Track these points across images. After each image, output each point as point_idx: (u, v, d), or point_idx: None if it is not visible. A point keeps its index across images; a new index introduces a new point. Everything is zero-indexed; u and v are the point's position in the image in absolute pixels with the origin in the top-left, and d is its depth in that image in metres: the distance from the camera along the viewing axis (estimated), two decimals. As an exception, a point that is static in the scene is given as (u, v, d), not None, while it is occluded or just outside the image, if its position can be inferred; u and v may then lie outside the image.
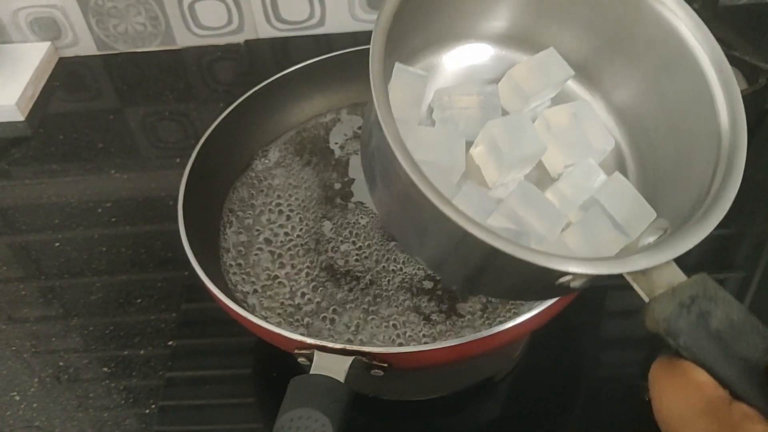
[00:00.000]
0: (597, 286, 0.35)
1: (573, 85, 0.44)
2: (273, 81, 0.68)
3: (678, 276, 0.31)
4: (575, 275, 0.32)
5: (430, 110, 0.43)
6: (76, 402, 0.62)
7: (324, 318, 0.56)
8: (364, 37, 0.92)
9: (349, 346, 0.46)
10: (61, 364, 0.65)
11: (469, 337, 0.46)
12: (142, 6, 0.93)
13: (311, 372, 0.45)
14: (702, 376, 0.27)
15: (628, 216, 0.37)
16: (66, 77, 0.97)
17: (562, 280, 0.33)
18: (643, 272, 0.31)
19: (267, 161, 0.68)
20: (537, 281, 0.35)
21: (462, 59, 0.44)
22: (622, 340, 0.62)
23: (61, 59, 0.99)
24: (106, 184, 0.81)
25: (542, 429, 0.57)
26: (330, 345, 0.46)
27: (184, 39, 0.97)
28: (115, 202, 0.79)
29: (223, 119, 0.64)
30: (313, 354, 0.46)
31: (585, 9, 0.41)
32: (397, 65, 0.40)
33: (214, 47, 0.98)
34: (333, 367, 0.45)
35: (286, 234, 0.62)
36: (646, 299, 0.31)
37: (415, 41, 0.40)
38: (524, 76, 0.41)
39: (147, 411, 0.60)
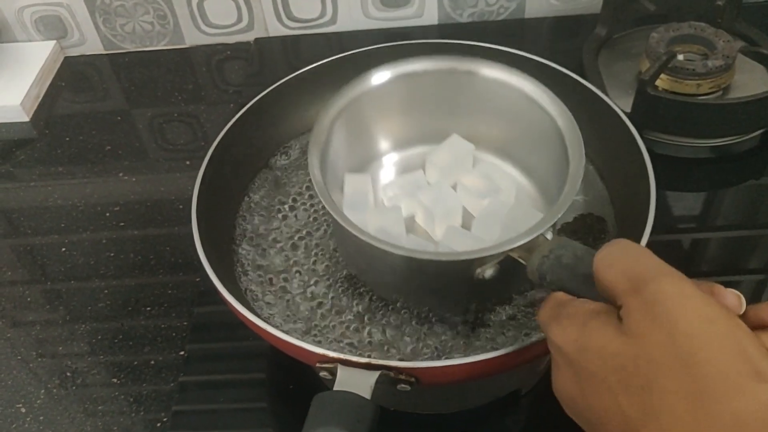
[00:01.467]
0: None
1: (479, 153, 0.59)
2: (286, 81, 0.65)
3: (543, 242, 0.43)
4: (481, 263, 0.46)
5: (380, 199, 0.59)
6: (84, 410, 0.59)
7: (345, 328, 0.54)
8: (377, 35, 0.90)
9: (374, 361, 0.44)
10: (68, 374, 0.62)
11: (503, 350, 0.44)
12: (150, 5, 0.91)
13: (335, 388, 0.43)
14: (559, 294, 0.39)
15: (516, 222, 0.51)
16: (72, 77, 0.95)
17: (477, 272, 0.46)
18: (526, 249, 0.44)
19: (284, 162, 0.65)
20: (459, 278, 0.48)
21: (396, 159, 0.61)
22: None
23: (66, 59, 0.97)
24: (114, 187, 0.79)
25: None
26: (355, 359, 0.44)
27: (192, 38, 0.95)
28: (123, 205, 0.76)
29: (236, 121, 0.62)
30: (336, 368, 0.44)
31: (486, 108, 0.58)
32: (347, 175, 0.56)
33: (224, 46, 0.95)
34: (358, 383, 0.43)
35: (301, 239, 0.60)
36: (522, 262, 0.44)
37: (353, 159, 0.58)
38: (439, 158, 0.57)
39: (160, 416, 0.58)
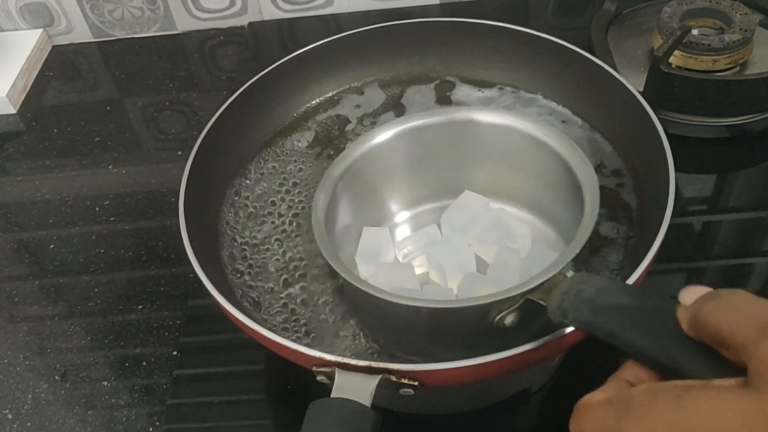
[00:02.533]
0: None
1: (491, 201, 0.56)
2: (278, 66, 0.62)
3: (561, 280, 0.41)
4: (499, 308, 0.43)
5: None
6: (80, 407, 0.57)
7: (340, 327, 0.50)
8: (376, 15, 0.86)
9: (375, 364, 0.41)
10: (60, 372, 0.59)
11: (509, 351, 0.40)
12: (139, -12, 0.87)
13: (333, 395, 0.40)
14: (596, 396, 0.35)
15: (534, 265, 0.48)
16: (60, 66, 0.91)
17: (497, 318, 0.43)
18: (545, 290, 0.41)
19: (276, 151, 0.62)
20: (478, 326, 0.44)
21: (408, 216, 0.59)
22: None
23: (54, 47, 0.93)
24: (105, 179, 0.76)
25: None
26: (354, 363, 0.41)
27: (184, 23, 0.91)
28: (114, 198, 0.73)
29: (226, 108, 0.58)
30: (333, 373, 0.41)
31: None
32: (365, 228, 0.54)
33: (217, 31, 0.92)
34: (357, 389, 0.39)
35: (295, 234, 0.56)
36: (543, 303, 0.41)
37: (365, 220, 0.55)
38: (454, 217, 0.54)
39: (155, 410, 0.56)
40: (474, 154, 0.56)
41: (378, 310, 0.48)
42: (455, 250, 0.52)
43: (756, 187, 0.70)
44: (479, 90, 0.64)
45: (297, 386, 0.55)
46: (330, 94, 0.65)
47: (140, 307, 0.63)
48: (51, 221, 0.72)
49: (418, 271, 0.53)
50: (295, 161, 0.61)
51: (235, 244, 0.56)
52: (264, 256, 0.55)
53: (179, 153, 0.77)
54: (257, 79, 0.61)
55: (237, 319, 0.45)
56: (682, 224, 0.65)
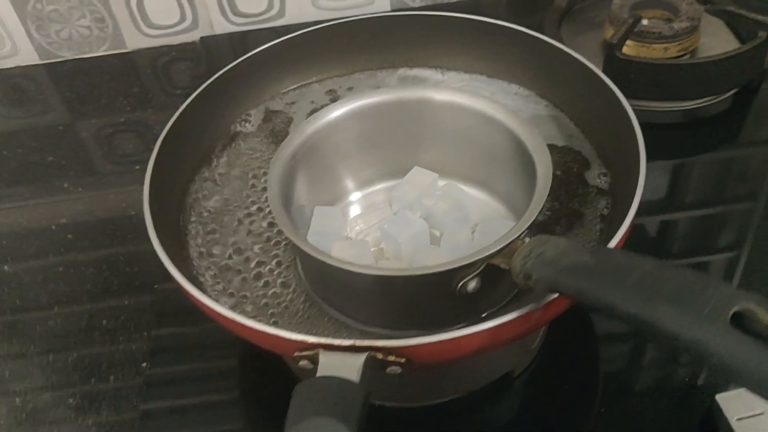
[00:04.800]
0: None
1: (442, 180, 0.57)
2: (229, 69, 0.61)
3: (521, 244, 0.42)
4: (463, 276, 0.43)
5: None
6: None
7: (306, 310, 0.49)
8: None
9: (360, 342, 0.39)
10: (18, 403, 0.56)
11: (499, 319, 0.40)
12: (86, 8, 0.86)
13: (318, 374, 0.38)
14: None
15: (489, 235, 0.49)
16: (6, 91, 0.89)
17: (459, 285, 0.43)
18: (506, 255, 0.42)
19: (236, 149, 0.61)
20: (441, 295, 0.44)
21: (360, 197, 0.58)
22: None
23: (-1, 71, 0.91)
24: (63, 205, 0.73)
25: (566, 425, 0.51)
26: (338, 342, 0.39)
27: (134, 41, 0.89)
28: (72, 223, 0.70)
29: (179, 116, 0.57)
30: (317, 355, 0.40)
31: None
32: (316, 208, 0.53)
33: (168, 47, 0.90)
34: (343, 367, 0.38)
35: (267, 236, 0.55)
36: (505, 267, 0.42)
37: (318, 200, 0.55)
38: (404, 192, 0.54)
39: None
40: (425, 132, 0.56)
41: (342, 285, 0.48)
42: (408, 225, 0.51)
43: (714, 172, 0.71)
44: (440, 72, 0.65)
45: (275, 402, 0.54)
46: (286, 90, 0.65)
47: (101, 331, 0.60)
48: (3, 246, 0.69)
49: (372, 249, 0.53)
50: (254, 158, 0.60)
51: (200, 240, 0.54)
52: (230, 255, 0.54)
53: (137, 167, 0.75)
54: (210, 82, 0.60)
55: (213, 310, 0.43)
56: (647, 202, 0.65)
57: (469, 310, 0.47)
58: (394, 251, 0.51)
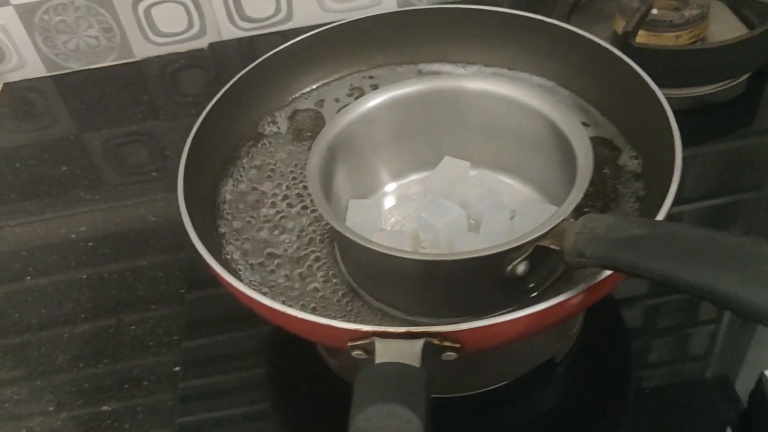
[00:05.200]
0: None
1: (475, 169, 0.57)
2: (249, 71, 0.61)
3: (570, 224, 0.41)
4: (513, 258, 0.43)
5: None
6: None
7: (355, 306, 0.49)
8: (335, 29, 0.85)
9: (415, 329, 0.39)
10: (52, 410, 0.56)
11: (556, 298, 0.40)
12: (93, 18, 0.85)
13: (377, 361, 0.38)
14: None
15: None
16: (14, 104, 0.88)
17: (509, 268, 0.43)
18: (552, 236, 0.42)
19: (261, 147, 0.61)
20: (491, 278, 0.45)
21: (395, 188, 0.58)
22: (674, 311, 0.57)
23: (6, 85, 0.90)
24: (79, 216, 0.72)
25: (610, 408, 0.51)
26: (393, 330, 0.39)
27: (142, 50, 0.89)
28: (92, 233, 0.70)
29: (203, 119, 0.57)
30: (373, 344, 0.39)
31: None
32: (351, 201, 0.53)
33: (177, 55, 0.90)
34: (403, 354, 0.38)
35: (293, 228, 0.55)
36: (557, 248, 0.41)
37: (353, 193, 0.55)
38: (436, 183, 0.54)
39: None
40: (457, 121, 0.56)
41: (388, 274, 0.47)
42: (446, 211, 0.51)
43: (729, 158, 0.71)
44: (461, 67, 0.65)
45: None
46: (309, 89, 0.65)
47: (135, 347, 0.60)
48: (18, 266, 0.68)
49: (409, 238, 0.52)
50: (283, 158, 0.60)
51: (234, 241, 0.54)
52: (260, 236, 0.54)
53: (154, 174, 0.75)
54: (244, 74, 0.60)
55: (266, 306, 0.43)
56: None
57: (517, 293, 0.47)
58: (432, 239, 0.51)
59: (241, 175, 0.58)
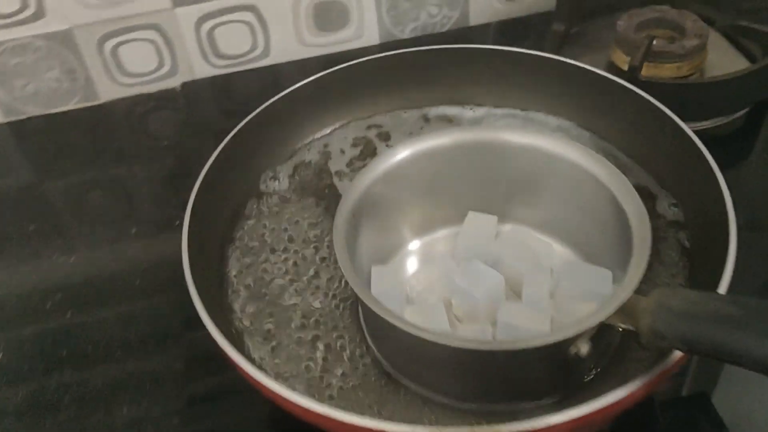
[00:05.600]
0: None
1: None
2: (247, 123, 0.56)
3: (641, 300, 0.38)
4: (578, 339, 0.39)
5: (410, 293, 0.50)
6: None
7: (387, 388, 0.44)
8: (316, 62, 0.82)
9: (478, 429, 0.35)
10: None
11: (625, 389, 0.36)
12: (55, 59, 0.79)
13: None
14: None
15: (590, 284, 0.46)
16: (-33, 155, 0.81)
17: (572, 351, 0.40)
18: (622, 314, 0.38)
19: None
20: (549, 361, 0.41)
21: (419, 246, 0.54)
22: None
23: (-41, 134, 0.83)
24: (49, 272, 0.66)
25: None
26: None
27: (108, 91, 0.83)
28: (65, 290, 0.63)
29: (203, 179, 0.52)
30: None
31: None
32: (374, 268, 0.49)
33: (146, 96, 0.84)
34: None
35: (306, 297, 0.50)
36: (631, 328, 0.38)
37: (375, 251, 0.51)
38: (465, 240, 0.51)
39: None
40: (487, 174, 0.53)
41: (432, 359, 0.43)
42: (483, 277, 0.47)
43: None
44: (470, 109, 0.61)
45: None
46: (311, 139, 0.60)
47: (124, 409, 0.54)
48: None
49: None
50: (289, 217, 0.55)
51: (244, 314, 0.49)
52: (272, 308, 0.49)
53: (133, 231, 0.69)
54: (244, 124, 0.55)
55: (281, 396, 0.38)
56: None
57: (574, 375, 0.43)
58: (469, 309, 0.47)
59: (246, 241, 0.53)
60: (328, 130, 0.61)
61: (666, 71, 0.72)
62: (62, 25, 0.77)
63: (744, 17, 0.76)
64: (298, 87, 0.59)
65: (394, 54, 0.61)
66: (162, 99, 0.84)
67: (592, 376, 0.44)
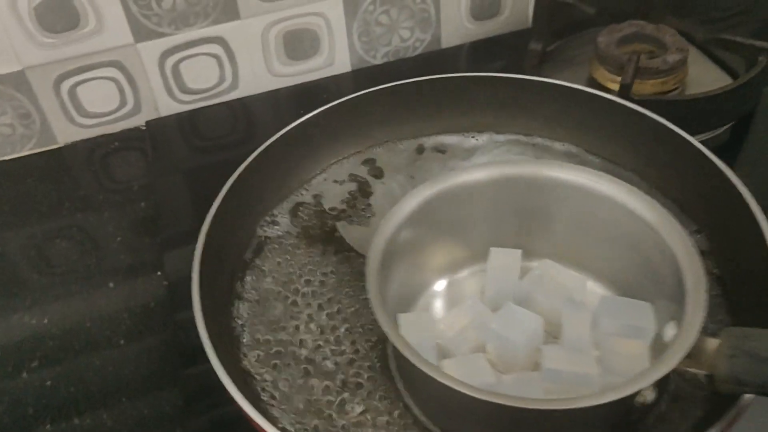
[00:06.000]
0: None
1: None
2: (246, 169, 0.53)
3: (710, 342, 0.36)
4: (645, 389, 0.36)
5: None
6: None
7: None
8: (286, 93, 0.78)
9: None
10: None
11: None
12: (7, 103, 0.73)
13: None
14: None
15: (631, 319, 0.44)
16: None
17: (639, 400, 0.37)
18: (689, 358, 0.36)
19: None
20: (617, 413, 0.39)
21: (445, 286, 0.52)
22: None
23: None
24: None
25: None
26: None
27: (67, 134, 0.78)
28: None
29: (208, 231, 0.48)
30: None
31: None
32: (400, 316, 0.45)
33: (107, 137, 0.79)
34: None
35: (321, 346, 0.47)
36: (705, 373, 0.36)
37: (401, 293, 0.48)
38: (493, 279, 0.48)
39: None
40: (511, 209, 0.50)
41: (490, 420, 0.40)
42: (521, 322, 0.45)
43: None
44: (471, 137, 0.59)
45: None
46: (309, 178, 0.57)
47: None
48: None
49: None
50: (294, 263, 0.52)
51: (259, 369, 0.45)
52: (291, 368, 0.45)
53: (110, 285, 0.64)
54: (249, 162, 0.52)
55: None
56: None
57: (637, 422, 0.40)
58: (506, 355, 0.44)
59: (252, 294, 0.49)
60: (322, 168, 0.57)
61: (651, 87, 0.71)
62: (13, 67, 0.71)
63: (720, 30, 0.76)
64: (292, 128, 0.55)
65: (388, 87, 0.59)
66: (125, 139, 0.79)
67: (651, 420, 0.41)
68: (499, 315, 0.45)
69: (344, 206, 0.56)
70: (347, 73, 0.82)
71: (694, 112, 0.68)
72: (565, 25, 0.82)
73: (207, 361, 0.40)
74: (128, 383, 0.55)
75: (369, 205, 0.56)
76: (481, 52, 0.86)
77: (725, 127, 0.72)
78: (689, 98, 0.68)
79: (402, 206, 0.46)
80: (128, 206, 0.72)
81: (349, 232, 0.54)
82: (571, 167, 0.48)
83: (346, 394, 0.44)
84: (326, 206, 0.55)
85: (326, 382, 0.45)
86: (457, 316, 0.47)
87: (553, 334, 0.46)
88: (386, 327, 0.39)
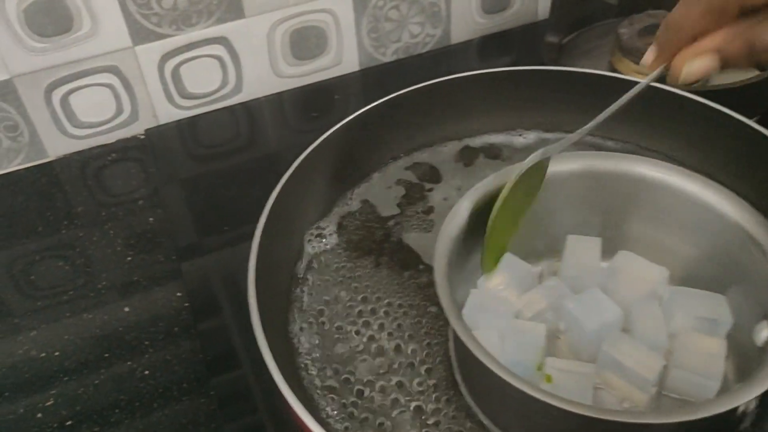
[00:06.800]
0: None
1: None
2: (289, 179, 0.48)
3: None
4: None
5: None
6: None
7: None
8: (292, 95, 0.74)
9: None
10: None
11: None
12: (-8, 114, 0.67)
13: None
14: None
15: (706, 311, 0.42)
16: None
17: (740, 408, 0.36)
18: None
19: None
20: (717, 423, 0.37)
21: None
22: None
23: None
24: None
25: None
26: None
27: (58, 147, 0.72)
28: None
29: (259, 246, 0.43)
30: None
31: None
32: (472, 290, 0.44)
33: (103, 148, 0.73)
34: None
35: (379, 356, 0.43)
36: None
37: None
38: (571, 265, 0.46)
39: None
40: (594, 202, 0.48)
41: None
42: (600, 309, 0.42)
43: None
44: (519, 135, 0.55)
45: None
46: (352, 189, 0.53)
47: None
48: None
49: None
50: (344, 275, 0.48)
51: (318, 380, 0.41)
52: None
53: (73, 297, 0.59)
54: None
55: None
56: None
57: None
58: (576, 340, 0.42)
59: (306, 307, 0.45)
60: (368, 176, 0.53)
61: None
62: (1, 76, 0.65)
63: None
64: (328, 135, 0.51)
65: (427, 85, 0.55)
66: (122, 150, 0.73)
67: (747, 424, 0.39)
68: (580, 297, 0.43)
69: (397, 214, 0.52)
70: (355, 72, 0.78)
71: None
72: (577, 18, 0.80)
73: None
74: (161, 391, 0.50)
75: (431, 207, 0.52)
76: (491, 46, 0.83)
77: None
78: (722, 89, 0.66)
79: (463, 204, 0.44)
80: (130, 219, 0.67)
81: (410, 238, 0.50)
82: (657, 163, 0.46)
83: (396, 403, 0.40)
84: (372, 215, 0.51)
85: (376, 391, 0.41)
86: (536, 297, 0.44)
87: (627, 327, 0.43)
88: (473, 348, 0.36)
